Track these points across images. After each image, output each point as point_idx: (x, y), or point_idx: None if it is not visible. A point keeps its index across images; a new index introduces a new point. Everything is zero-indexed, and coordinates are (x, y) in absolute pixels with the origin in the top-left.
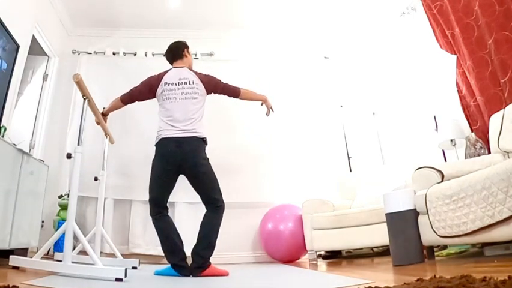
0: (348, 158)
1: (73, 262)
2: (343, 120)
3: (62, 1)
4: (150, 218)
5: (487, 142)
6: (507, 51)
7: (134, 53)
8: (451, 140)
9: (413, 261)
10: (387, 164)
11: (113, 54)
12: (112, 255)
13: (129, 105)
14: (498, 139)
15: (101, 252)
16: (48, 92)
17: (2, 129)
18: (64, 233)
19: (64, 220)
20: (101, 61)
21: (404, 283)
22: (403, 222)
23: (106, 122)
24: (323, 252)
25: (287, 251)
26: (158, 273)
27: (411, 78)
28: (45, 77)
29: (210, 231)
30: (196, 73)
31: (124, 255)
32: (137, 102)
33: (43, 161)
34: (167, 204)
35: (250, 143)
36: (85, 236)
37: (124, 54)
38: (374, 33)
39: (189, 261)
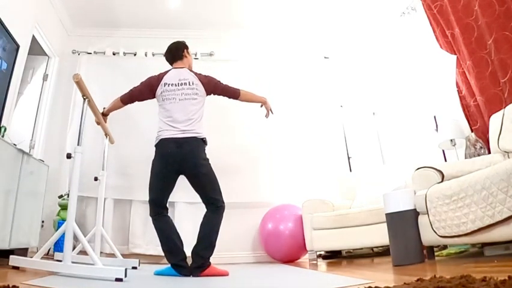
0: (348, 158)
1: (73, 262)
2: (343, 120)
3: (62, 1)
4: (150, 218)
5: (487, 142)
6: (507, 51)
7: (134, 53)
8: (451, 140)
9: (413, 261)
10: (387, 164)
11: (113, 54)
12: (112, 255)
13: (129, 105)
14: (498, 139)
15: (101, 252)
16: (48, 92)
17: (2, 129)
18: (64, 233)
19: (63, 220)
20: (101, 61)
21: (404, 283)
22: (403, 222)
23: (106, 122)
24: (323, 252)
25: (287, 251)
26: (158, 273)
27: (411, 78)
28: (45, 77)
29: (210, 231)
30: (196, 74)
31: (124, 255)
32: (137, 102)
33: (43, 161)
34: (167, 205)
35: (250, 143)
36: (85, 236)
37: (124, 54)
38: (374, 33)
39: (189, 261)
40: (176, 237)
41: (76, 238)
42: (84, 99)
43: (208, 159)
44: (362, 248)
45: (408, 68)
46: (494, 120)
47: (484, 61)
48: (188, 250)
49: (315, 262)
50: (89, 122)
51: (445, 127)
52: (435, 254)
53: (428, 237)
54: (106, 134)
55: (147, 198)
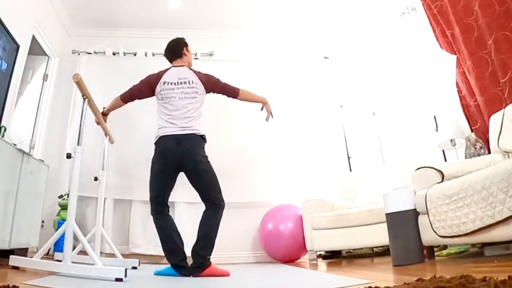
0: (348, 158)
1: (73, 262)
2: (343, 120)
3: (62, 1)
4: (150, 218)
5: (487, 142)
6: (507, 51)
7: (134, 53)
8: (451, 140)
9: (413, 261)
10: (387, 164)
11: (113, 54)
12: (112, 255)
13: (129, 105)
14: (498, 139)
15: (101, 252)
16: (48, 92)
17: (2, 129)
18: (64, 233)
19: (63, 220)
20: (101, 61)
21: (404, 283)
22: (403, 222)
23: (106, 121)
24: (323, 252)
25: (287, 251)
26: (158, 273)
27: (411, 78)
28: (45, 77)
29: (210, 230)
30: (195, 72)
31: (124, 255)
32: (137, 101)
33: (43, 161)
34: (168, 203)
35: (250, 143)
36: (85, 236)
37: (124, 54)
38: (374, 33)
39: (189, 261)
40: (177, 237)
41: (76, 238)
42: (84, 99)
43: (207, 157)
44: (362, 248)
45: (408, 68)
46: (494, 120)
47: (484, 61)
48: (188, 250)
49: (315, 262)
50: (89, 122)
51: (445, 127)
52: (435, 254)
53: (428, 237)
54: (106, 134)
55: (147, 198)
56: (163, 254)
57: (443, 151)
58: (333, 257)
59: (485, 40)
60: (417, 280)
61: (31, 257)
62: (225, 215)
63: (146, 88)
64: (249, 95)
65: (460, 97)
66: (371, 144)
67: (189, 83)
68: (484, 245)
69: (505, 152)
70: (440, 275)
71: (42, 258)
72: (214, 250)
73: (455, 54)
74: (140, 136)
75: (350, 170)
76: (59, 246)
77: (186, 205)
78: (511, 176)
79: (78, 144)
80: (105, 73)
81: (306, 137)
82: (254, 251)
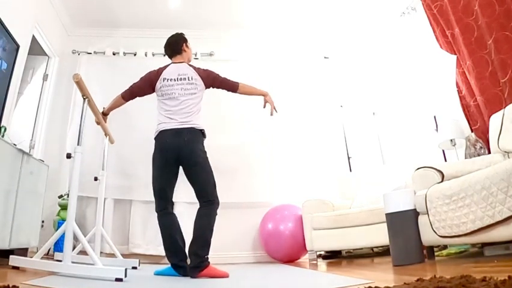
0: (348, 158)
1: (73, 262)
2: (343, 120)
3: (62, 1)
4: (150, 218)
5: (487, 142)
6: (507, 51)
7: (134, 53)
8: (451, 140)
9: (413, 261)
10: (387, 164)
11: (113, 54)
12: (112, 255)
13: (129, 105)
14: (498, 139)
15: (101, 252)
16: (48, 92)
17: (2, 129)
18: (64, 233)
19: (63, 220)
20: (101, 61)
21: (404, 283)
22: (403, 222)
23: (106, 121)
24: (323, 252)
25: (287, 251)
26: (158, 273)
27: (411, 78)
28: (45, 77)
29: (205, 229)
30: (194, 68)
31: (124, 255)
32: (137, 101)
33: (43, 161)
34: (173, 200)
35: (250, 143)
36: (85, 236)
37: (124, 54)
38: (374, 33)
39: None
40: (179, 237)
41: (76, 238)
42: (84, 99)
43: (206, 152)
44: (362, 248)
45: (408, 68)
46: (494, 120)
47: (484, 61)
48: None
49: (315, 262)
50: (89, 122)
51: (445, 127)
52: (435, 254)
53: (428, 237)
54: (106, 134)
55: (147, 198)
56: (163, 254)
57: (443, 151)
58: (333, 257)
59: (485, 40)
60: (417, 280)
61: (31, 257)
62: (225, 215)
63: (146, 85)
64: (248, 89)
65: (460, 97)
66: (371, 144)
67: (189, 79)
68: (484, 245)
69: (505, 152)
70: (440, 275)
71: (42, 258)
72: (214, 250)
73: (455, 54)
74: (140, 136)
75: (350, 170)
76: (59, 246)
77: (187, 205)
78: (511, 176)
79: (78, 144)
80: (105, 73)
81: (306, 137)
82: (254, 251)
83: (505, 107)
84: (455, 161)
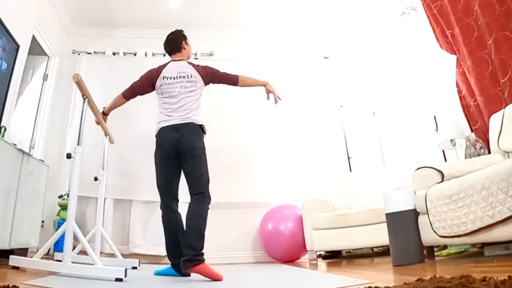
0: (348, 158)
1: (73, 262)
2: (343, 120)
3: (62, 1)
4: (150, 218)
5: (487, 142)
6: (507, 51)
7: (134, 53)
8: (451, 140)
9: (413, 261)
10: (387, 164)
11: (113, 54)
12: (112, 255)
13: (129, 105)
14: (498, 139)
15: (101, 252)
16: (48, 92)
17: (2, 129)
18: (64, 233)
19: (63, 220)
20: (101, 61)
21: (404, 283)
22: (403, 222)
23: (106, 121)
24: (323, 252)
25: (287, 251)
26: (158, 273)
27: (411, 78)
28: (45, 77)
29: (198, 220)
30: (193, 66)
31: (124, 255)
32: (137, 102)
33: (43, 161)
34: (178, 197)
35: (250, 143)
36: (85, 236)
37: (124, 54)
38: (374, 33)
39: None
40: (182, 236)
41: (76, 238)
42: (84, 99)
43: (204, 148)
44: (362, 248)
45: (408, 68)
46: (494, 120)
47: (484, 61)
48: None
49: (315, 262)
50: (89, 122)
51: (445, 127)
52: (435, 254)
53: (428, 237)
54: (106, 134)
55: (147, 198)
56: (163, 254)
57: (443, 151)
58: (333, 257)
59: (485, 40)
60: (417, 280)
61: (31, 257)
62: (225, 215)
63: (146, 83)
64: (248, 80)
65: (460, 97)
66: (371, 144)
67: (188, 77)
68: (484, 245)
69: (505, 152)
70: (440, 275)
71: (42, 258)
72: (214, 250)
73: (455, 54)
74: (140, 136)
75: (350, 170)
76: (59, 246)
77: (187, 205)
78: (511, 176)
79: (78, 144)
80: (105, 73)
81: (306, 137)
82: (254, 251)
83: (505, 107)
84: (455, 161)
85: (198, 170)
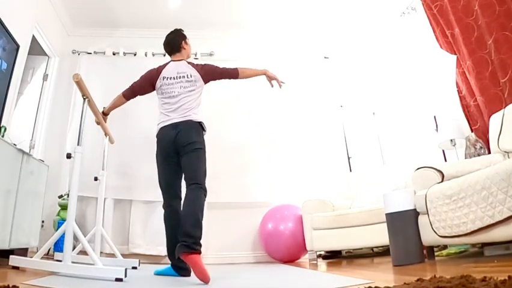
0: (348, 158)
1: (73, 262)
2: (343, 120)
3: (62, 1)
4: (150, 218)
5: (487, 142)
6: (507, 51)
7: (134, 53)
8: (451, 140)
9: (413, 261)
10: (387, 164)
11: (113, 54)
12: (112, 255)
13: (129, 105)
14: (498, 139)
15: (101, 252)
16: (48, 92)
17: (2, 129)
18: (64, 233)
19: (63, 220)
20: (101, 61)
21: (404, 283)
22: (403, 222)
23: (106, 121)
24: (323, 252)
25: (287, 251)
26: (158, 273)
27: (411, 78)
28: (45, 77)
29: (195, 207)
30: (193, 65)
31: (124, 255)
32: (137, 102)
33: (43, 161)
34: (181, 195)
35: (250, 143)
36: (85, 236)
37: (124, 54)
38: (374, 33)
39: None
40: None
41: (76, 238)
42: (84, 99)
43: (204, 144)
44: (362, 248)
45: (408, 68)
46: (494, 120)
47: (484, 61)
48: None
49: (315, 262)
50: (89, 121)
51: (445, 127)
52: (435, 254)
53: (428, 237)
54: (106, 134)
55: (147, 198)
56: (163, 254)
57: (443, 151)
58: (333, 257)
59: (485, 40)
60: (417, 280)
61: (31, 257)
62: (225, 215)
63: (147, 83)
64: (248, 71)
65: (460, 97)
66: (371, 144)
67: (188, 77)
68: (484, 245)
69: (505, 152)
70: (440, 275)
71: (42, 258)
72: (214, 250)
73: (455, 54)
74: (140, 136)
75: (350, 170)
76: (59, 246)
77: None
78: (511, 176)
79: (78, 144)
80: (105, 73)
81: (306, 137)
82: (254, 251)
83: (505, 107)
84: (455, 161)
85: (195, 162)
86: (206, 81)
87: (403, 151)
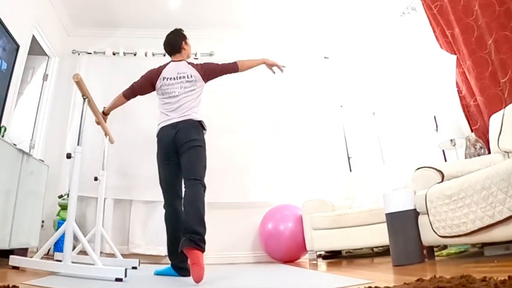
0: (348, 158)
1: (73, 262)
2: (343, 120)
3: (62, 1)
4: (150, 218)
5: (487, 142)
6: (507, 51)
7: (134, 53)
8: (451, 140)
9: (413, 261)
10: (387, 164)
11: (113, 54)
12: (112, 255)
13: (129, 105)
14: (498, 139)
15: (101, 252)
16: (48, 92)
17: (2, 129)
18: (64, 233)
19: (63, 220)
20: (101, 61)
21: (404, 283)
22: (403, 222)
23: (106, 121)
24: (323, 252)
25: (287, 251)
26: (158, 273)
27: (411, 78)
28: (45, 77)
29: (198, 206)
30: (193, 65)
31: (124, 255)
32: (137, 102)
33: (43, 161)
34: (181, 195)
35: (250, 142)
36: (85, 236)
37: (124, 54)
38: (374, 33)
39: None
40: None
41: (76, 238)
42: (84, 99)
43: (204, 143)
44: (362, 248)
45: (408, 68)
46: (494, 120)
47: (484, 61)
48: None
49: (315, 262)
50: (89, 122)
51: (445, 127)
52: (435, 254)
53: (428, 237)
54: (106, 134)
55: (147, 198)
56: (163, 254)
57: (443, 151)
58: (333, 257)
59: (485, 40)
60: (417, 280)
61: (31, 257)
62: (225, 215)
63: (147, 83)
64: (248, 63)
65: (460, 97)
66: (371, 144)
67: (188, 77)
68: (484, 245)
69: (505, 152)
70: (440, 275)
71: (42, 258)
72: (214, 250)
73: (455, 54)
74: (140, 136)
75: (350, 170)
76: (59, 246)
77: None
78: (511, 176)
79: (78, 144)
80: (105, 73)
81: (306, 137)
82: (254, 251)
83: (505, 107)
84: (455, 161)
85: (193, 158)
86: (207, 80)
87: (403, 151)
